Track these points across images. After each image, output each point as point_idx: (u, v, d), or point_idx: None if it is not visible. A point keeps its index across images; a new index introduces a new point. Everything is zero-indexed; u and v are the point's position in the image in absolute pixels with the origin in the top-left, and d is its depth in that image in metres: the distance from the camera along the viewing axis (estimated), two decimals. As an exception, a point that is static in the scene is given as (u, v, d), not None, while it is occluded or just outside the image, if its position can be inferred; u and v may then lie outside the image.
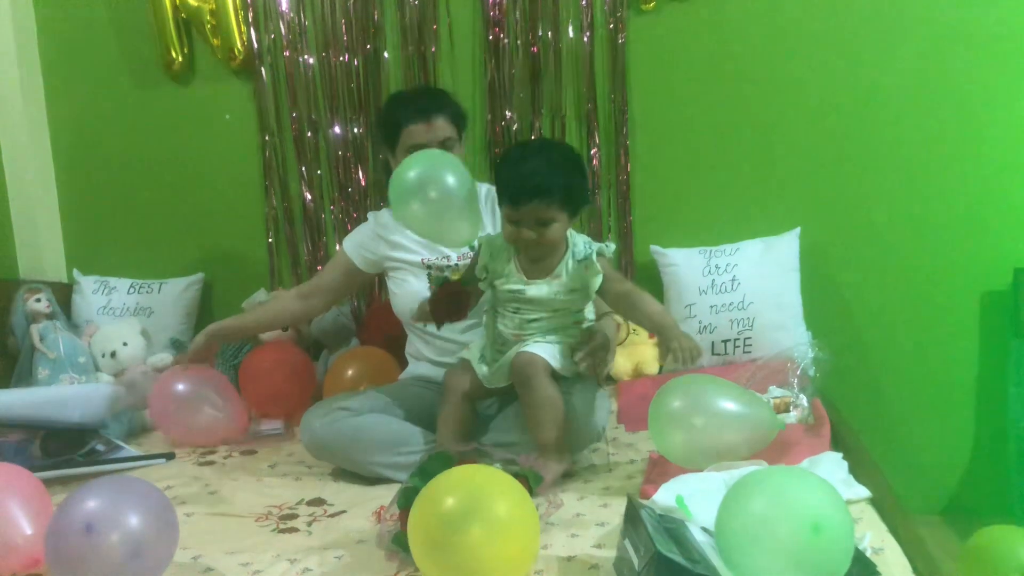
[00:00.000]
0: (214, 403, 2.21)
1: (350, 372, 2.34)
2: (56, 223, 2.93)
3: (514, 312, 1.81)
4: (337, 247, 2.73)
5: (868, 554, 1.25)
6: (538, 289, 1.77)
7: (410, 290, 2.09)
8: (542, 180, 1.68)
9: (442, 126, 2.00)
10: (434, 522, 1.23)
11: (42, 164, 2.90)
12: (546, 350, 1.77)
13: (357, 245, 2.17)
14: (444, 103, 2.05)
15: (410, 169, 1.76)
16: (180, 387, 2.19)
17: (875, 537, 1.32)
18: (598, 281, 1.74)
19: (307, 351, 2.72)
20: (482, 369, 1.84)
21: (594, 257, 1.73)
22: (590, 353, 1.76)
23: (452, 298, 1.83)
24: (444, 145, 1.98)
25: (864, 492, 1.49)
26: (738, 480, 1.20)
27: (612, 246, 1.80)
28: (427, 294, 1.93)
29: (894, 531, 1.36)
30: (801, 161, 2.53)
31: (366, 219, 2.24)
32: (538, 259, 1.77)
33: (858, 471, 1.57)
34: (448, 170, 1.76)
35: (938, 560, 1.28)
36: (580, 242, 1.78)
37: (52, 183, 2.92)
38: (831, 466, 1.57)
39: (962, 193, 2.44)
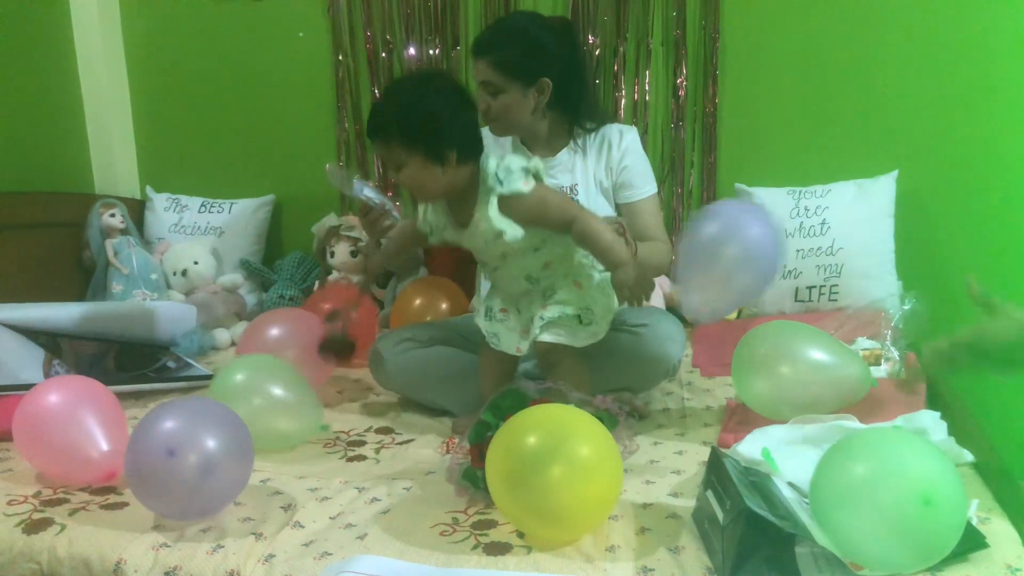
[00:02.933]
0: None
1: (418, 301, 2.31)
2: (130, 139, 2.94)
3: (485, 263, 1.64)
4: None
5: (975, 523, 1.17)
6: (469, 237, 1.56)
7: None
8: (377, 120, 1.49)
9: (483, 70, 1.82)
10: (515, 460, 1.19)
11: (117, 80, 2.89)
12: (560, 334, 1.59)
13: None
14: (496, 43, 1.82)
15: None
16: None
17: (981, 505, 1.23)
18: (494, 221, 1.47)
19: (376, 279, 2.70)
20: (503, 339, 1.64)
21: (491, 201, 1.47)
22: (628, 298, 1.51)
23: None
24: (486, 89, 1.82)
25: (967, 456, 1.39)
26: (841, 439, 1.12)
27: (515, 179, 1.46)
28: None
29: (1000, 499, 1.26)
30: (902, 99, 2.37)
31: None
32: (436, 203, 1.59)
33: (958, 432, 1.47)
34: None
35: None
36: (491, 173, 1.49)
37: (126, 99, 2.92)
38: (929, 425, 1.47)
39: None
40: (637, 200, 1.91)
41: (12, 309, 2.02)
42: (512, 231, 1.49)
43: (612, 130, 1.96)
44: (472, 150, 1.51)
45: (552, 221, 1.52)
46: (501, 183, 1.47)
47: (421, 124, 1.46)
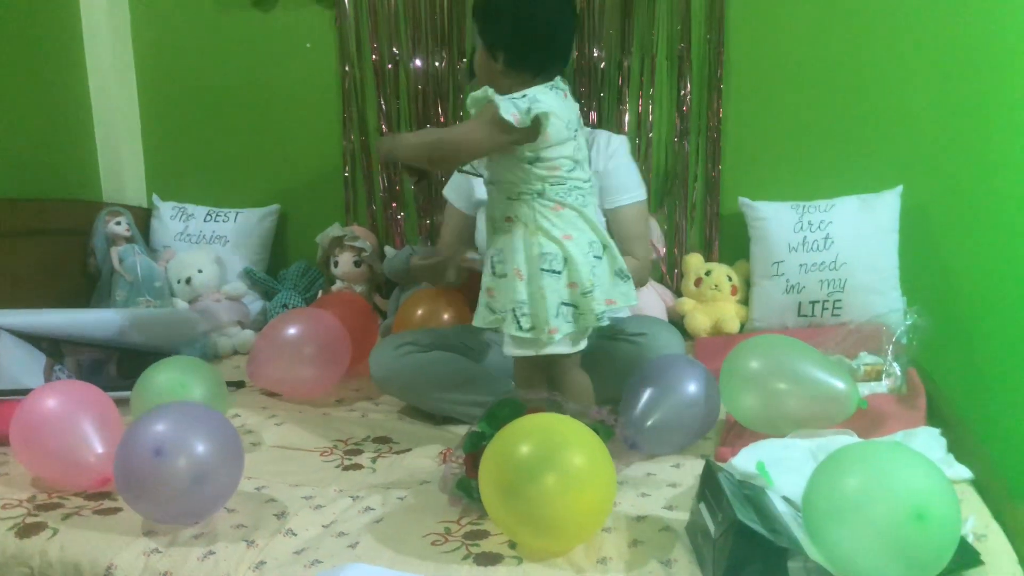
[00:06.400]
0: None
1: (420, 311, 2.30)
2: (138, 148, 2.96)
3: None
4: (412, 185, 2.71)
5: (970, 540, 1.15)
6: None
7: None
8: None
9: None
10: (508, 469, 1.18)
11: (126, 89, 2.91)
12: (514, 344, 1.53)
13: (454, 190, 2.10)
14: None
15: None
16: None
17: (978, 522, 1.22)
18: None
19: (379, 289, 2.71)
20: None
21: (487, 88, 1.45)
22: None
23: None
24: None
25: (965, 473, 1.37)
26: (834, 452, 1.11)
27: (514, 99, 1.42)
28: None
29: (998, 516, 1.25)
30: (907, 114, 2.35)
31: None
32: None
33: (958, 449, 1.46)
34: None
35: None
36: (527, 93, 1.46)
37: (135, 108, 2.94)
38: (928, 441, 1.46)
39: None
40: (621, 205, 1.91)
41: (36, 315, 2.04)
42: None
43: (600, 134, 1.96)
44: (528, 64, 1.48)
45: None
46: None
47: (491, 13, 1.50)
